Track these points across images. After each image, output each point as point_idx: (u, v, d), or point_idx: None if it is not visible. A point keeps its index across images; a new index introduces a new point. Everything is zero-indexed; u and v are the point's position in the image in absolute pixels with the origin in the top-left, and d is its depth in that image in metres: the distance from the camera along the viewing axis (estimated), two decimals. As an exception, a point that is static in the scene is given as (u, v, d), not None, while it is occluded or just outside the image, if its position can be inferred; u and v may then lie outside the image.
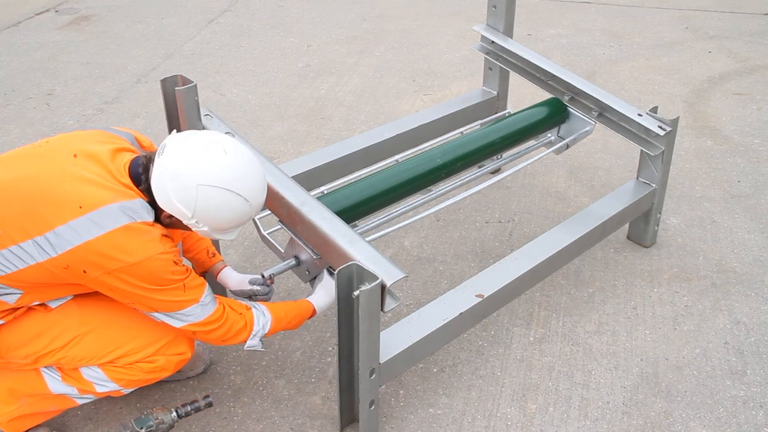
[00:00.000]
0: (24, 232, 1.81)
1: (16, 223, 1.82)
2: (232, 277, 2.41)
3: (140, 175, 1.92)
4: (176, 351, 2.12)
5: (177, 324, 1.98)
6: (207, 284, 2.01)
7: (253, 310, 2.13)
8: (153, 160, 1.91)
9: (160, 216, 1.94)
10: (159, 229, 1.91)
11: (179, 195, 1.85)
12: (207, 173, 1.84)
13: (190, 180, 1.83)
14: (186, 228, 1.97)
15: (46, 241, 1.80)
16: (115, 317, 2.05)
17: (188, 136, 1.92)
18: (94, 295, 2.06)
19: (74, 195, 1.83)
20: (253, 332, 2.10)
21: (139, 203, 1.89)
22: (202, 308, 1.98)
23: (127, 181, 1.91)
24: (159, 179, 1.87)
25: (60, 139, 2.00)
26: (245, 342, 2.12)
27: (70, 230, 1.79)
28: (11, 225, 1.83)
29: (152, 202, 1.92)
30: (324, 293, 2.27)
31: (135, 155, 1.99)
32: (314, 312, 2.25)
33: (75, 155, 1.90)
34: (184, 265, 1.96)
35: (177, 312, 1.95)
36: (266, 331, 2.13)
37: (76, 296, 2.05)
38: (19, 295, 1.91)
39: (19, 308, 1.97)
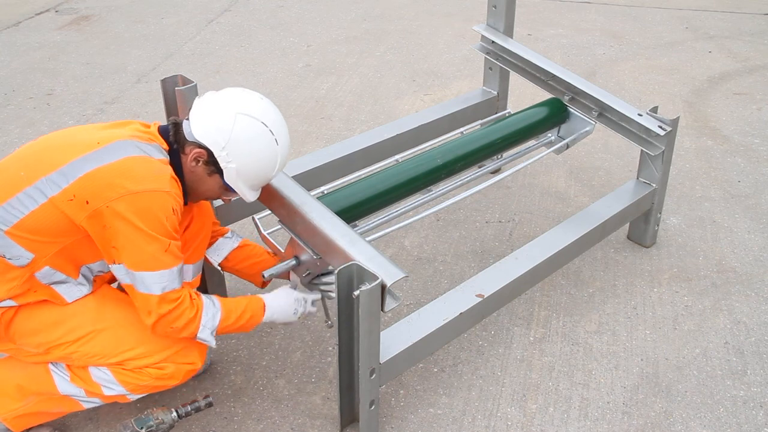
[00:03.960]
0: (41, 172, 1.89)
1: (37, 166, 1.91)
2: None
3: (168, 131, 2.03)
4: (187, 360, 2.10)
5: (140, 288, 1.92)
6: (182, 263, 2.00)
7: (203, 297, 2.06)
8: (189, 107, 2.03)
9: (183, 172, 2.03)
10: (169, 169, 1.96)
11: (216, 123, 1.95)
12: (246, 106, 1.99)
13: (230, 108, 1.97)
14: (207, 185, 2.04)
15: (60, 174, 1.87)
16: (132, 318, 2.05)
17: (224, 89, 2.06)
18: (112, 293, 2.11)
19: (97, 137, 1.95)
20: (203, 322, 2.03)
21: (156, 146, 1.98)
22: (169, 280, 1.93)
23: (155, 131, 2.03)
24: (199, 111, 1.98)
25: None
26: (195, 335, 2.04)
27: (83, 161, 1.89)
28: (33, 168, 1.91)
29: (173, 162, 2.00)
30: (282, 295, 2.21)
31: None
32: (265, 310, 2.16)
33: (110, 124, 2.06)
34: (178, 229, 1.98)
35: (146, 272, 1.90)
36: (216, 323, 2.05)
37: (95, 293, 2.07)
38: (29, 259, 1.92)
39: (32, 292, 1.96)
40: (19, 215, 1.88)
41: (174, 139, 2.02)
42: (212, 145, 1.96)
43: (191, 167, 2.01)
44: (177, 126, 2.03)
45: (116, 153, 1.90)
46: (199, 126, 1.97)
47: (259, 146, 1.99)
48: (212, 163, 1.99)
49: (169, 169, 1.97)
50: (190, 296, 2.04)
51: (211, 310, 2.05)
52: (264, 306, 2.18)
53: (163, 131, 2.04)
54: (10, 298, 1.95)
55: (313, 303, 2.29)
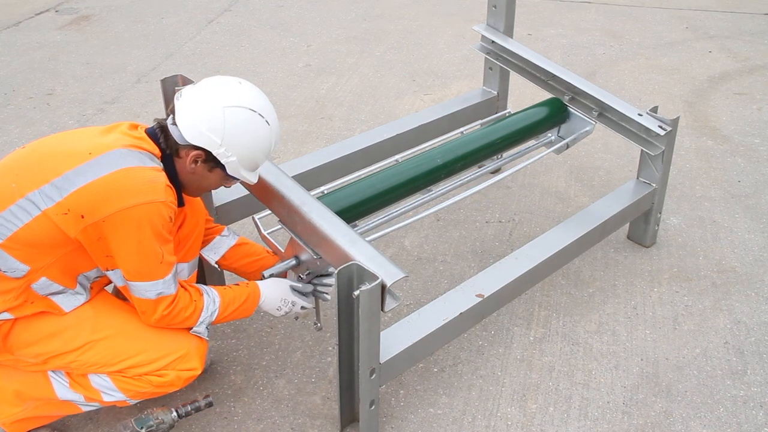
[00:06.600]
0: (33, 184, 1.87)
1: (28, 177, 1.89)
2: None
3: (156, 133, 2.01)
4: (187, 366, 2.10)
5: (135, 293, 1.97)
6: (176, 267, 2.02)
7: (205, 297, 2.10)
8: (172, 109, 2.00)
9: (180, 175, 2.03)
10: (164, 176, 1.95)
11: (207, 122, 1.94)
12: (229, 96, 1.97)
13: (216, 104, 1.95)
14: (209, 180, 2.06)
15: (53, 187, 1.85)
16: (130, 327, 2.05)
17: (200, 81, 2.03)
18: (110, 300, 2.11)
19: (87, 146, 1.92)
20: (201, 320, 2.09)
21: (147, 154, 1.96)
22: (164, 287, 1.97)
23: (144, 136, 2.01)
24: (184, 114, 1.96)
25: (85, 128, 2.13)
26: (191, 328, 2.11)
27: (76, 174, 1.86)
28: (24, 179, 1.89)
29: (165, 164, 2.00)
30: (278, 290, 2.23)
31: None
32: (258, 301, 2.21)
33: (99, 131, 2.02)
34: (173, 231, 1.99)
35: (141, 282, 1.94)
36: (213, 319, 2.12)
37: (93, 301, 2.06)
38: (25, 272, 1.91)
39: (29, 304, 1.96)
40: (12, 228, 1.86)
41: (165, 144, 2.00)
42: (209, 146, 1.96)
43: (191, 169, 2.01)
44: (164, 129, 2.01)
45: (109, 165, 1.88)
46: (190, 129, 1.95)
47: (253, 132, 1.99)
48: (211, 160, 2.00)
49: (164, 177, 1.95)
50: (190, 295, 2.06)
51: (211, 308, 2.11)
52: (259, 297, 2.21)
53: (152, 135, 2.02)
54: (6, 311, 1.93)
55: (302, 308, 2.28)
